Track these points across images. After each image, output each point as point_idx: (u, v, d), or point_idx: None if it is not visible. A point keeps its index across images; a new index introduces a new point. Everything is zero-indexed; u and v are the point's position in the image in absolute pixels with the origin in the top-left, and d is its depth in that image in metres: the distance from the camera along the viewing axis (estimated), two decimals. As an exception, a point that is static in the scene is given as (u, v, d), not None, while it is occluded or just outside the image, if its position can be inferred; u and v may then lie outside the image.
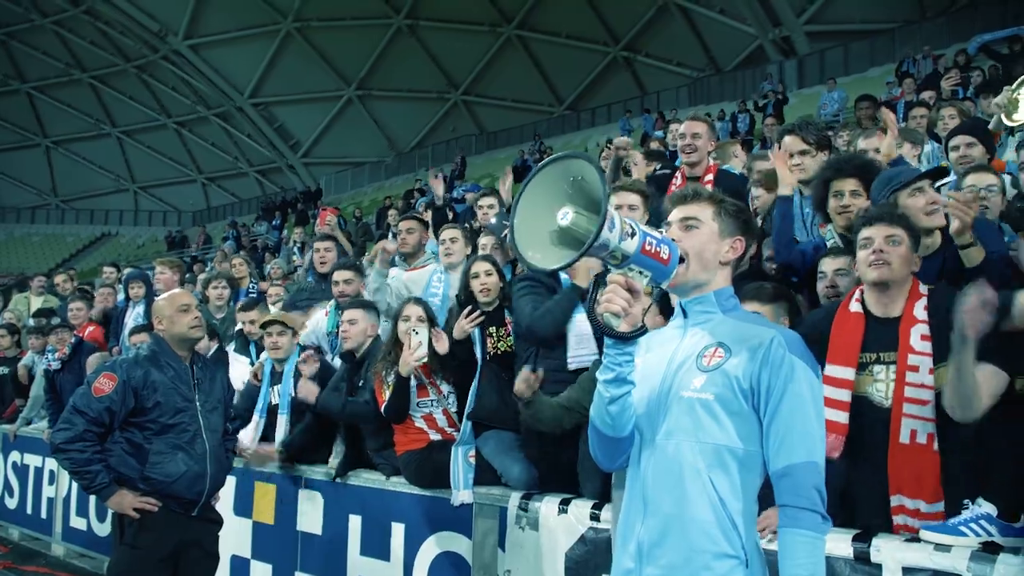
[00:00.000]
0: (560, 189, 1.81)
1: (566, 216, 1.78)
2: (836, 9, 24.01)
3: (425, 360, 4.12)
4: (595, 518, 3.54)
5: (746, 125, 17.00)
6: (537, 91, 31.39)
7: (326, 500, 4.77)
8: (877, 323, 2.91)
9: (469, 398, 4.14)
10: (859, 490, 2.95)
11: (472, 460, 4.09)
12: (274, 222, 26.97)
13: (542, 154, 21.72)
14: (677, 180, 4.66)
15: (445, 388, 4.36)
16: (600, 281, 1.78)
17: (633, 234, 1.79)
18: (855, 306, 2.97)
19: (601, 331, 1.92)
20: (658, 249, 1.85)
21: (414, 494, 4.30)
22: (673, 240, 1.97)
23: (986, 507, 2.71)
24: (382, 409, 4.23)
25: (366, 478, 4.61)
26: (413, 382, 4.24)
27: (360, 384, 4.54)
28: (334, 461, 4.81)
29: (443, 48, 31.36)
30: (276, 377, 5.12)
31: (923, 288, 2.92)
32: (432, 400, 4.32)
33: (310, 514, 4.83)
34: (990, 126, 4.03)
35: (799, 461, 1.91)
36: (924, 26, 21.64)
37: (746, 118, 17.34)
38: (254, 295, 6.94)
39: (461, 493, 4.06)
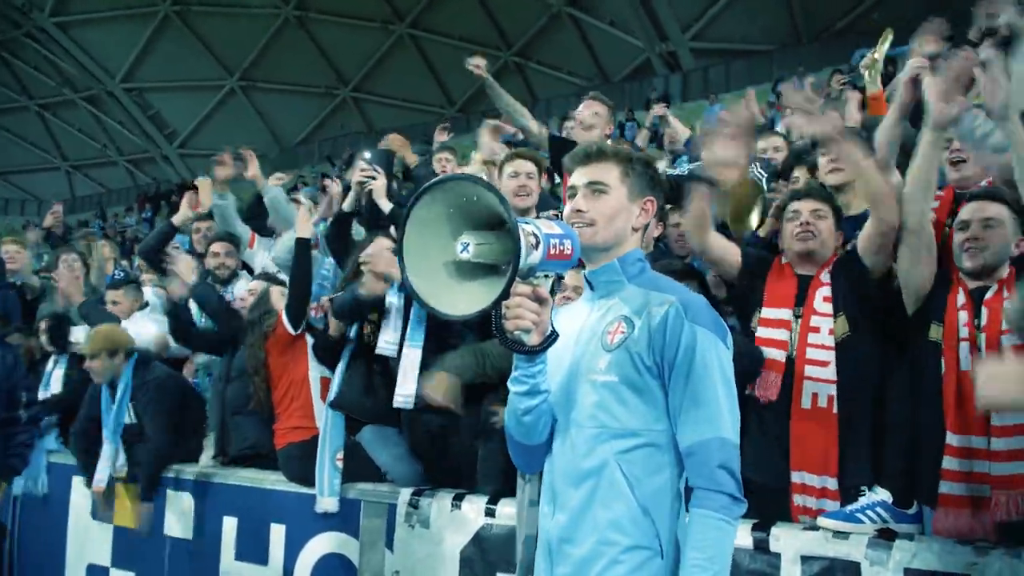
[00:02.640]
0: (442, 217, 1.65)
1: (466, 248, 1.63)
2: (719, 28, 25.01)
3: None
4: (491, 514, 3.38)
5: (633, 133, 17.42)
6: (428, 91, 31.10)
7: (197, 501, 4.42)
8: (798, 279, 3.05)
9: (334, 382, 3.90)
10: (760, 466, 2.95)
11: (340, 464, 3.85)
12: (144, 214, 25.60)
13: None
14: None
15: None
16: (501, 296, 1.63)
17: (537, 243, 1.64)
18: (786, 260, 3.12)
19: (511, 348, 1.77)
20: (561, 247, 1.71)
21: (296, 492, 4.02)
22: (574, 213, 1.90)
23: (881, 494, 2.77)
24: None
25: (242, 476, 4.30)
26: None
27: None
28: (205, 457, 4.48)
29: (333, 42, 30.61)
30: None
31: None
32: None
33: (178, 517, 4.47)
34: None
35: (705, 438, 1.80)
36: (799, 49, 22.85)
37: (633, 126, 17.77)
38: (121, 277, 6.46)
39: (324, 500, 3.83)
